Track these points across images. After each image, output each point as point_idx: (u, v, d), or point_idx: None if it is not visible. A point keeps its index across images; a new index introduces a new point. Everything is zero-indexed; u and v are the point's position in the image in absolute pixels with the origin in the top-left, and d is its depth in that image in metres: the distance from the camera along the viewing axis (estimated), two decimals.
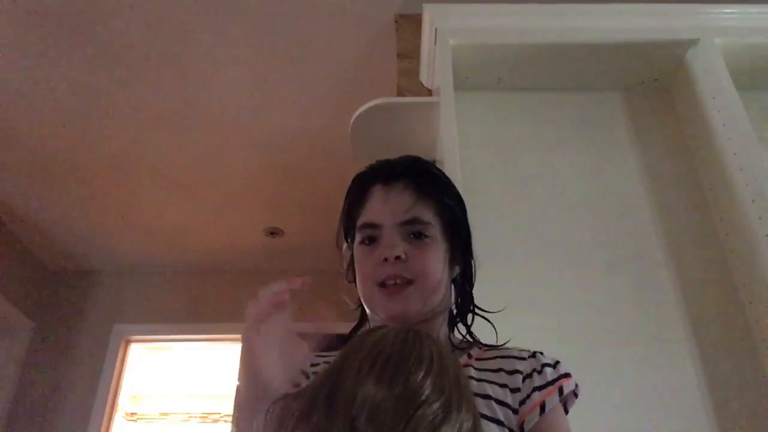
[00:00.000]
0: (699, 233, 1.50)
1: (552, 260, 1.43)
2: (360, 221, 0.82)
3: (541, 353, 0.77)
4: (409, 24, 1.89)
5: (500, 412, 0.68)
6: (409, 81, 1.78)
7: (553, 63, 1.66)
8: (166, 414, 4.28)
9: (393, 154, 0.88)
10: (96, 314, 3.48)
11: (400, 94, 1.75)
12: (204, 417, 4.24)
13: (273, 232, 3.33)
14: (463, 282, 0.84)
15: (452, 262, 0.81)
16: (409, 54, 1.83)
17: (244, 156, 2.70)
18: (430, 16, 1.63)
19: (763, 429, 1.24)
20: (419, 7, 1.68)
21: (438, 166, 1.54)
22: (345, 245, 0.87)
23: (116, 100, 2.32)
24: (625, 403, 1.26)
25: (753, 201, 1.35)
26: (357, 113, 1.56)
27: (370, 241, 0.79)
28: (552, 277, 1.41)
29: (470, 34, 1.61)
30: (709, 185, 1.54)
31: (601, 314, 1.36)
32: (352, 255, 0.84)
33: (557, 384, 0.72)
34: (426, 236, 0.78)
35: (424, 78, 1.75)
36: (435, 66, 1.64)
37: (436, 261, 0.78)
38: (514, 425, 0.69)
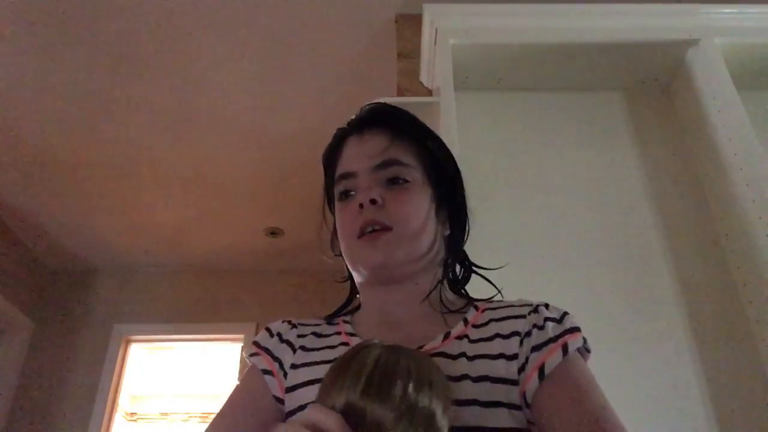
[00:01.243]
0: (699, 233, 1.50)
1: (552, 260, 1.43)
2: (336, 174, 0.76)
3: (546, 306, 0.68)
4: (409, 24, 1.89)
5: (498, 392, 0.58)
6: (409, 81, 1.78)
7: (553, 63, 1.66)
8: (166, 414, 4.28)
9: None
10: (96, 314, 3.49)
11: (400, 94, 1.75)
12: (204, 417, 4.24)
13: (273, 232, 3.33)
14: (455, 239, 0.77)
15: (440, 211, 0.74)
16: (409, 54, 1.83)
17: (244, 156, 2.70)
18: (430, 16, 1.63)
19: (763, 429, 1.24)
20: (419, 7, 1.68)
21: None
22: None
23: (117, 100, 2.32)
24: (624, 403, 1.25)
25: (753, 201, 1.35)
26: None
27: (347, 194, 0.73)
28: (552, 277, 1.41)
29: (470, 34, 1.61)
30: (709, 185, 1.54)
31: (601, 314, 1.36)
32: (334, 229, 0.78)
33: (561, 341, 0.62)
34: (405, 180, 0.71)
35: (424, 78, 1.75)
36: (435, 66, 1.64)
37: (417, 206, 0.71)
38: (516, 399, 0.58)
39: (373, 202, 0.69)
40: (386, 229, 0.68)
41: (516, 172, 1.58)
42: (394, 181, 0.71)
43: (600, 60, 1.65)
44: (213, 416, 0.70)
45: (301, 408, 0.64)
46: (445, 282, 0.74)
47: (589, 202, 1.53)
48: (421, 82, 1.76)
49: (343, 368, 0.51)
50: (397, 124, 0.77)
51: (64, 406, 3.18)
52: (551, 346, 0.61)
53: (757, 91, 1.67)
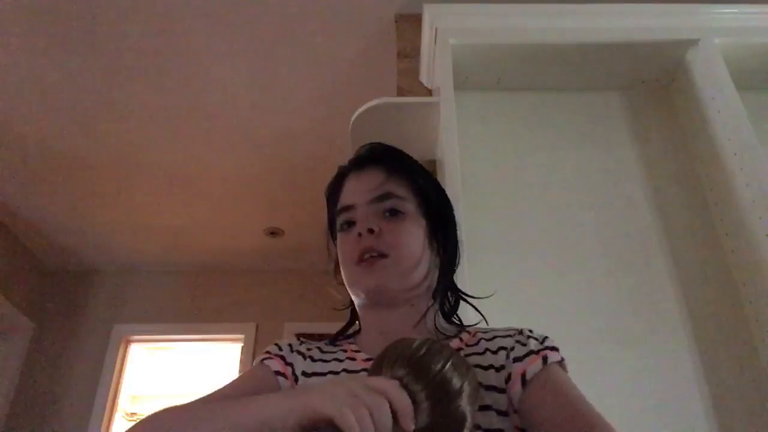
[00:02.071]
0: (699, 233, 1.50)
1: (551, 260, 1.43)
2: (337, 208, 0.83)
3: (530, 330, 0.74)
4: (409, 24, 1.89)
5: (489, 398, 0.65)
6: (409, 81, 1.78)
7: (553, 63, 1.66)
8: None
9: None
10: (96, 314, 3.49)
11: (400, 94, 1.75)
12: None
13: (273, 232, 3.33)
14: (447, 267, 0.82)
15: (433, 241, 0.80)
16: (409, 54, 1.83)
17: (244, 156, 2.70)
18: (430, 15, 1.63)
19: (763, 429, 1.24)
20: (419, 7, 1.68)
21: (438, 166, 1.55)
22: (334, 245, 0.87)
23: (116, 100, 2.33)
24: (624, 403, 1.26)
25: (753, 201, 1.35)
26: (357, 113, 1.55)
27: (348, 225, 0.80)
28: (551, 277, 1.41)
29: (470, 34, 1.61)
30: (709, 185, 1.54)
31: (600, 314, 1.36)
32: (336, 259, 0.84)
33: (541, 354, 0.68)
34: (401, 212, 0.78)
35: (424, 78, 1.75)
36: (435, 66, 1.64)
37: (411, 235, 0.77)
38: (504, 405, 0.65)
39: (371, 231, 0.75)
40: (383, 255, 0.75)
41: (516, 172, 1.58)
42: (391, 213, 0.78)
43: (600, 60, 1.65)
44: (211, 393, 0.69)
45: None
46: (438, 310, 0.80)
47: (589, 202, 1.53)
48: (421, 82, 1.76)
49: (390, 349, 0.58)
50: (392, 161, 0.84)
51: (64, 406, 3.18)
52: (532, 356, 0.68)
53: (757, 91, 1.67)
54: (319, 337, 0.84)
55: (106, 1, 1.92)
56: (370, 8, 1.95)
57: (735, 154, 1.43)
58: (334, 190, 0.87)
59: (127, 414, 4.05)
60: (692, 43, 1.61)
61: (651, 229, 1.50)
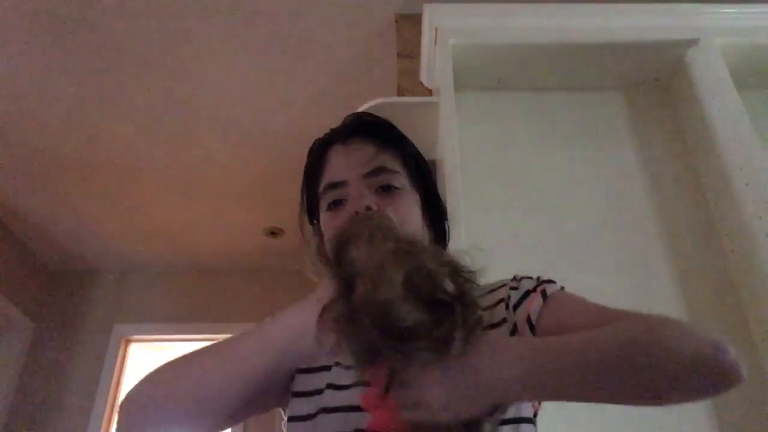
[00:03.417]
0: (699, 233, 1.50)
1: (551, 260, 1.43)
2: (322, 184, 0.76)
3: (523, 275, 0.72)
4: (409, 24, 1.89)
5: None
6: (409, 81, 1.78)
7: (553, 63, 1.66)
8: None
9: None
10: (96, 314, 3.48)
11: (400, 94, 1.75)
12: None
13: (273, 232, 3.33)
14: (438, 241, 0.80)
15: (425, 215, 0.76)
16: (409, 54, 1.83)
17: (244, 156, 2.70)
18: (430, 15, 1.63)
19: (763, 429, 1.24)
20: (419, 6, 1.68)
21: (438, 166, 1.55)
22: (311, 229, 0.80)
23: (116, 100, 2.32)
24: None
25: (753, 201, 1.35)
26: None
27: (336, 204, 0.73)
28: (551, 277, 1.41)
29: (470, 34, 1.61)
30: (709, 185, 1.54)
31: None
32: (320, 240, 0.77)
33: (538, 290, 0.66)
34: (395, 187, 0.73)
35: (424, 78, 1.75)
36: (435, 66, 1.64)
37: (409, 211, 0.72)
38: None
39: (368, 209, 0.69)
40: None
41: (516, 172, 1.58)
42: (384, 189, 0.72)
43: (600, 60, 1.65)
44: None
45: (310, 392, 0.67)
46: None
47: (588, 202, 1.53)
48: (421, 82, 1.76)
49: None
50: (380, 133, 0.78)
51: (64, 405, 3.18)
52: (531, 296, 0.65)
53: (757, 91, 1.68)
54: None
55: (106, 2, 1.92)
56: (370, 8, 1.95)
57: (735, 154, 1.43)
58: (316, 162, 0.78)
59: None
60: (692, 43, 1.61)
61: (651, 229, 1.50)
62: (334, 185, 0.74)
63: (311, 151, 0.82)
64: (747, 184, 1.38)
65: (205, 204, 3.06)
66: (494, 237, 1.44)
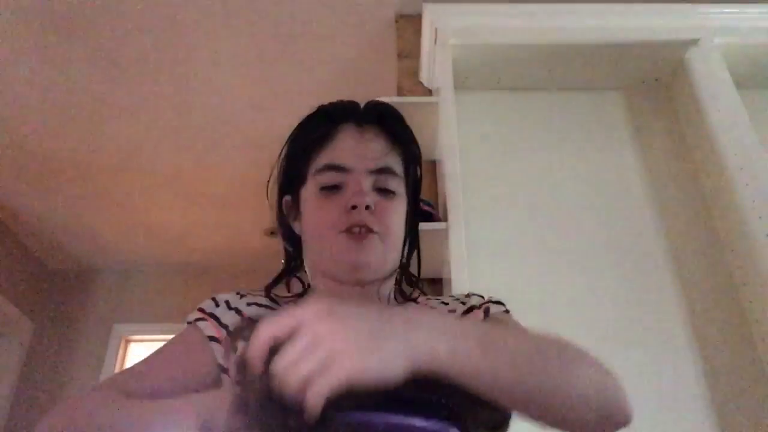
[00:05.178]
0: (699, 233, 1.50)
1: (551, 260, 1.43)
2: (323, 161, 0.72)
3: (477, 294, 0.74)
4: (409, 24, 1.89)
5: None
6: (409, 81, 1.78)
7: (553, 63, 1.66)
8: None
9: None
10: (96, 314, 3.48)
11: (400, 94, 1.75)
12: None
13: (273, 232, 3.32)
14: (410, 250, 0.80)
15: (408, 223, 0.77)
16: (409, 54, 1.83)
17: (244, 156, 2.70)
18: (430, 15, 1.63)
19: (763, 429, 1.24)
20: (419, 7, 1.68)
21: (438, 166, 1.55)
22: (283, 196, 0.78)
23: (116, 100, 2.32)
24: None
25: (753, 201, 1.35)
26: None
27: (333, 188, 0.71)
28: (551, 277, 1.41)
29: (470, 34, 1.61)
30: (709, 185, 1.54)
31: (600, 314, 1.36)
32: (280, 208, 0.76)
33: (483, 307, 0.68)
34: (393, 192, 0.73)
35: (424, 78, 1.75)
36: (435, 66, 1.64)
37: (399, 220, 0.73)
38: None
39: (368, 208, 0.69)
40: (370, 231, 0.69)
41: (516, 172, 1.58)
42: (383, 191, 0.72)
43: (600, 60, 1.65)
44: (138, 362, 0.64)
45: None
46: (394, 289, 0.78)
47: (589, 202, 1.53)
48: (421, 82, 1.76)
49: None
50: (396, 130, 0.77)
51: None
52: (474, 311, 0.68)
53: (757, 91, 1.68)
54: None
55: (106, 2, 1.92)
56: (370, 8, 1.95)
57: (735, 154, 1.43)
58: (322, 134, 0.75)
59: None
60: (692, 43, 1.61)
61: (651, 229, 1.50)
62: (337, 167, 0.71)
63: (315, 117, 0.79)
64: (747, 184, 1.38)
65: (205, 204, 3.06)
66: (494, 237, 1.44)
